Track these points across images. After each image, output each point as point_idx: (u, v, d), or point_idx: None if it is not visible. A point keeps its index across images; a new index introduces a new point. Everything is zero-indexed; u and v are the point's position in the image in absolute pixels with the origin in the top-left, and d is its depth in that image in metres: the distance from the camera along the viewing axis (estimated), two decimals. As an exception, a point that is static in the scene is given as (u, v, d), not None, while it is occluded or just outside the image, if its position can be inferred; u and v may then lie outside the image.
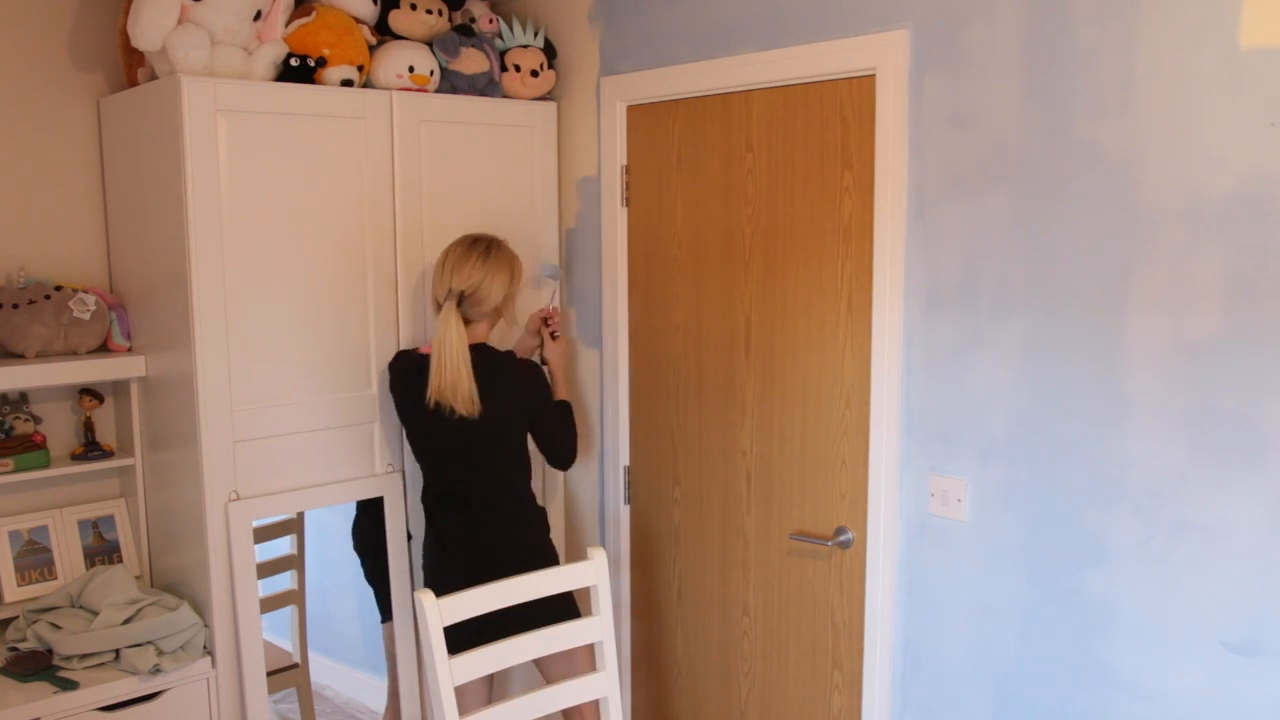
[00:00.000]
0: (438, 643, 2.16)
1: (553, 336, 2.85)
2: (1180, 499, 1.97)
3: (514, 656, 2.29)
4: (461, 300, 2.52)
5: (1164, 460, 1.99)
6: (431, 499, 2.67)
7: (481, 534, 2.59)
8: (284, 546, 3.40)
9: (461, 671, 2.19)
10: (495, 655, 2.26)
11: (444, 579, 2.59)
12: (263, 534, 3.27)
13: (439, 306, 2.55)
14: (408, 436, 2.70)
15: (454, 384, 2.47)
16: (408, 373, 2.61)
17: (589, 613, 2.45)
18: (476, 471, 2.58)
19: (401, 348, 2.77)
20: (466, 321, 2.55)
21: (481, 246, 2.57)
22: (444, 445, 2.59)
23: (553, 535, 3.17)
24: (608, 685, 2.43)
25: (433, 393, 2.49)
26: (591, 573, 2.43)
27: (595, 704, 2.52)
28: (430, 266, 2.81)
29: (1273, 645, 1.89)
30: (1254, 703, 1.92)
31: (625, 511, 3.06)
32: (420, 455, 2.67)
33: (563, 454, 2.70)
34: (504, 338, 2.88)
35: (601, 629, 2.42)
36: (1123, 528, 2.05)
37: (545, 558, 2.64)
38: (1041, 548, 2.18)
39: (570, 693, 2.39)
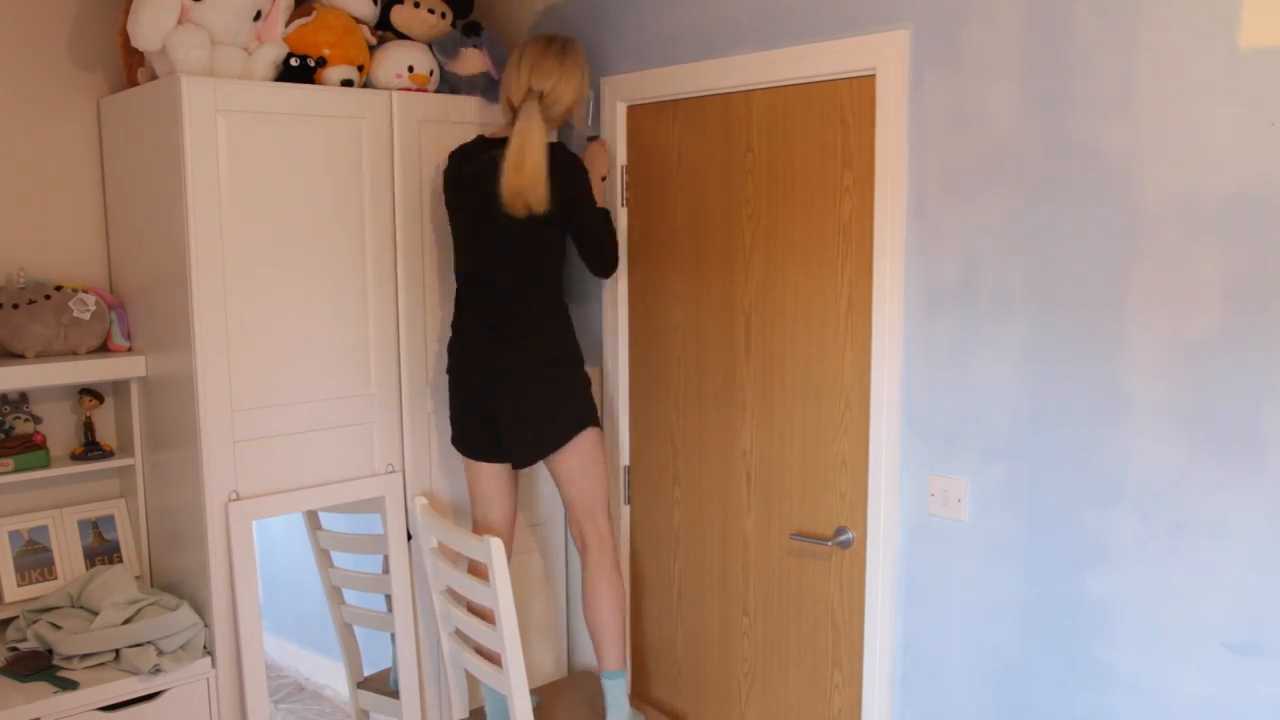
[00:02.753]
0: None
1: (589, 139, 2.87)
2: (1180, 499, 1.97)
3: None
4: (541, 99, 2.51)
5: (1164, 460, 1.99)
6: (463, 298, 2.66)
7: (509, 340, 2.58)
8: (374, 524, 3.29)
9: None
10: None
11: (462, 380, 2.66)
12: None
13: (511, 107, 2.55)
14: (452, 228, 2.68)
15: (533, 183, 2.45)
16: (473, 156, 2.58)
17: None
18: (510, 266, 2.55)
19: (406, 351, 2.76)
20: None
21: (558, 45, 2.56)
22: (485, 235, 2.56)
23: (552, 535, 3.17)
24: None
25: (510, 189, 2.46)
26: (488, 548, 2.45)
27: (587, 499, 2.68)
28: (431, 266, 2.81)
29: (1273, 645, 1.89)
30: (1254, 703, 1.92)
31: (625, 511, 3.06)
32: (457, 246, 2.65)
33: (603, 254, 2.66)
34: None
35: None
36: (1123, 528, 2.05)
37: (567, 362, 2.64)
38: (1041, 548, 2.18)
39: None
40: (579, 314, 3.12)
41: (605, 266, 2.69)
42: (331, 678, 3.99)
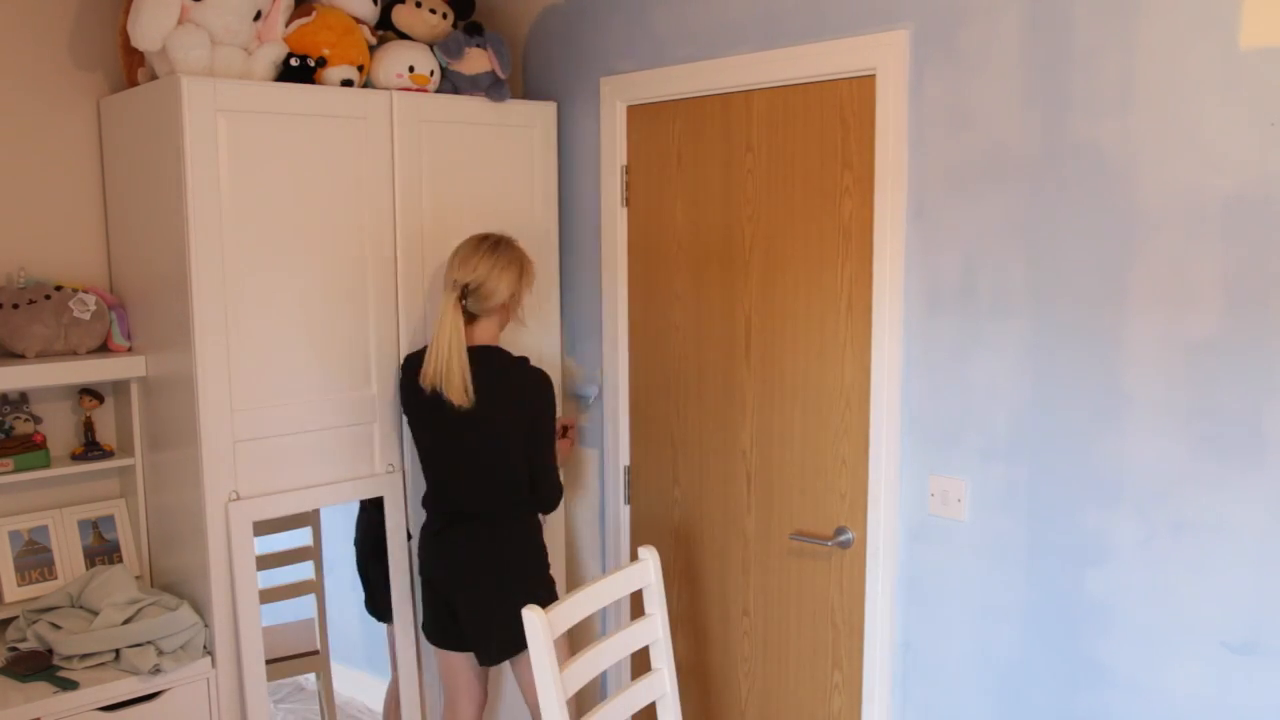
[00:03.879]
0: (549, 657, 2.15)
1: (563, 433, 2.93)
2: (1180, 499, 1.97)
3: (605, 661, 2.32)
4: (466, 294, 2.51)
5: (1164, 460, 1.99)
6: (430, 501, 2.67)
7: (475, 540, 2.58)
8: (303, 538, 3.40)
9: (573, 680, 2.20)
10: (590, 663, 2.27)
11: (428, 577, 2.65)
12: (280, 524, 3.26)
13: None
14: (412, 435, 2.69)
15: (446, 369, 2.46)
16: (414, 368, 2.62)
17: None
18: (472, 472, 2.56)
19: (406, 350, 2.77)
20: (473, 318, 2.54)
21: (490, 242, 2.56)
22: (441, 440, 2.58)
23: (552, 534, 3.17)
24: (663, 685, 2.46)
25: (425, 377, 2.50)
26: (646, 573, 2.46)
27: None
28: (431, 266, 2.81)
29: (1273, 645, 1.89)
30: (1254, 703, 1.92)
31: (625, 511, 3.06)
32: (421, 453, 2.66)
33: (548, 491, 2.63)
34: (514, 342, 2.87)
35: (660, 629, 2.46)
36: (1123, 528, 2.05)
37: (533, 567, 2.64)
38: (1041, 548, 2.18)
39: (637, 695, 2.42)
40: (579, 313, 3.12)
41: (548, 503, 2.66)
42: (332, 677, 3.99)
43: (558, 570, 3.23)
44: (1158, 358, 1.97)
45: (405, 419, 2.72)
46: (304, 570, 3.42)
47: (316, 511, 3.38)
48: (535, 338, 3.07)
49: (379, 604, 2.98)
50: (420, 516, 2.79)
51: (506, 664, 2.82)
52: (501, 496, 2.57)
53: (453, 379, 2.47)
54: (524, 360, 2.61)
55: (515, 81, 3.20)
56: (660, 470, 2.96)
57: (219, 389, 2.47)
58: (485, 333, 2.58)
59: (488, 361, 2.53)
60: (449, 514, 2.62)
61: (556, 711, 2.16)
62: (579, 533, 3.20)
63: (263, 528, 2.70)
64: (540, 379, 2.59)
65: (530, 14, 3.15)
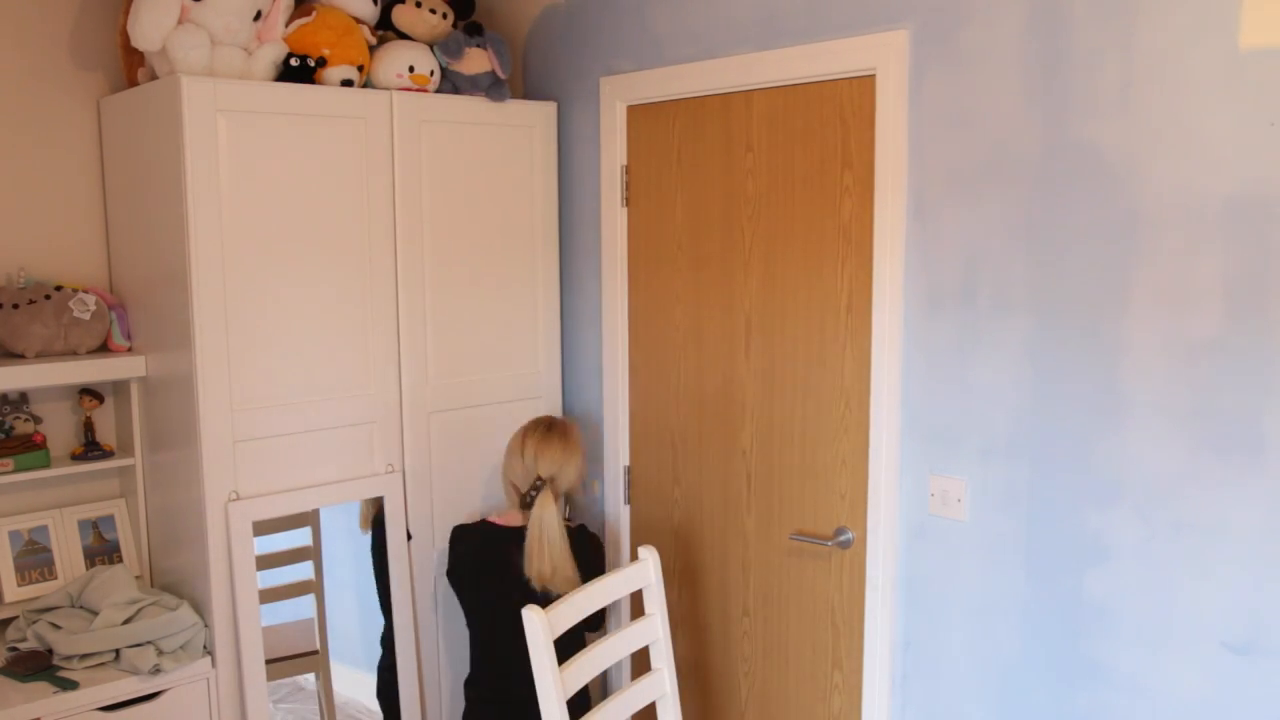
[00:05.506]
0: (548, 658, 2.15)
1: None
2: (1180, 499, 1.97)
3: (605, 661, 2.32)
4: (550, 485, 2.59)
5: (1164, 460, 1.99)
6: (480, 665, 2.65)
7: (516, 710, 2.55)
8: (303, 538, 3.40)
9: (572, 681, 2.21)
10: (591, 663, 2.27)
11: None
12: (280, 524, 3.26)
13: (519, 492, 2.64)
14: (476, 612, 2.66)
15: (556, 568, 2.54)
16: (488, 547, 2.62)
17: None
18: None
19: (406, 351, 2.77)
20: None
21: (559, 431, 2.66)
22: (507, 623, 2.56)
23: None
24: (663, 685, 2.46)
25: (535, 576, 2.54)
26: (646, 573, 2.47)
27: None
28: (431, 266, 2.81)
29: (1273, 645, 1.89)
30: (1254, 703, 1.92)
31: (625, 511, 3.06)
32: (492, 632, 2.63)
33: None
34: (514, 343, 2.87)
35: (660, 629, 2.46)
36: (1123, 528, 2.05)
37: None
38: (1041, 548, 2.18)
39: (637, 695, 2.42)
40: (579, 313, 3.12)
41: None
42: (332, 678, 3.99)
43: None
44: (1157, 358, 1.97)
45: (459, 594, 2.70)
46: (304, 570, 3.42)
47: (316, 511, 3.38)
48: (536, 338, 3.07)
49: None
50: (422, 516, 2.79)
51: None
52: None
53: (562, 575, 2.54)
54: (582, 527, 2.70)
55: (515, 81, 3.20)
56: (660, 470, 2.96)
57: (219, 389, 2.47)
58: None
59: (575, 548, 2.60)
60: (497, 688, 2.61)
61: (557, 711, 2.16)
62: (579, 533, 3.20)
63: (263, 528, 2.69)
64: (599, 546, 2.71)
65: (530, 14, 3.15)
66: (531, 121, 2.99)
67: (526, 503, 2.61)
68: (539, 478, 2.60)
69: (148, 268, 2.63)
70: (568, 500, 2.78)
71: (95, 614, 2.51)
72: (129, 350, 2.73)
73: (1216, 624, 1.95)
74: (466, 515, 2.96)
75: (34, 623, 2.50)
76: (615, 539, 3.07)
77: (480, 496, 3.00)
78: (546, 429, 2.66)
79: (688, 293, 2.82)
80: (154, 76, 2.54)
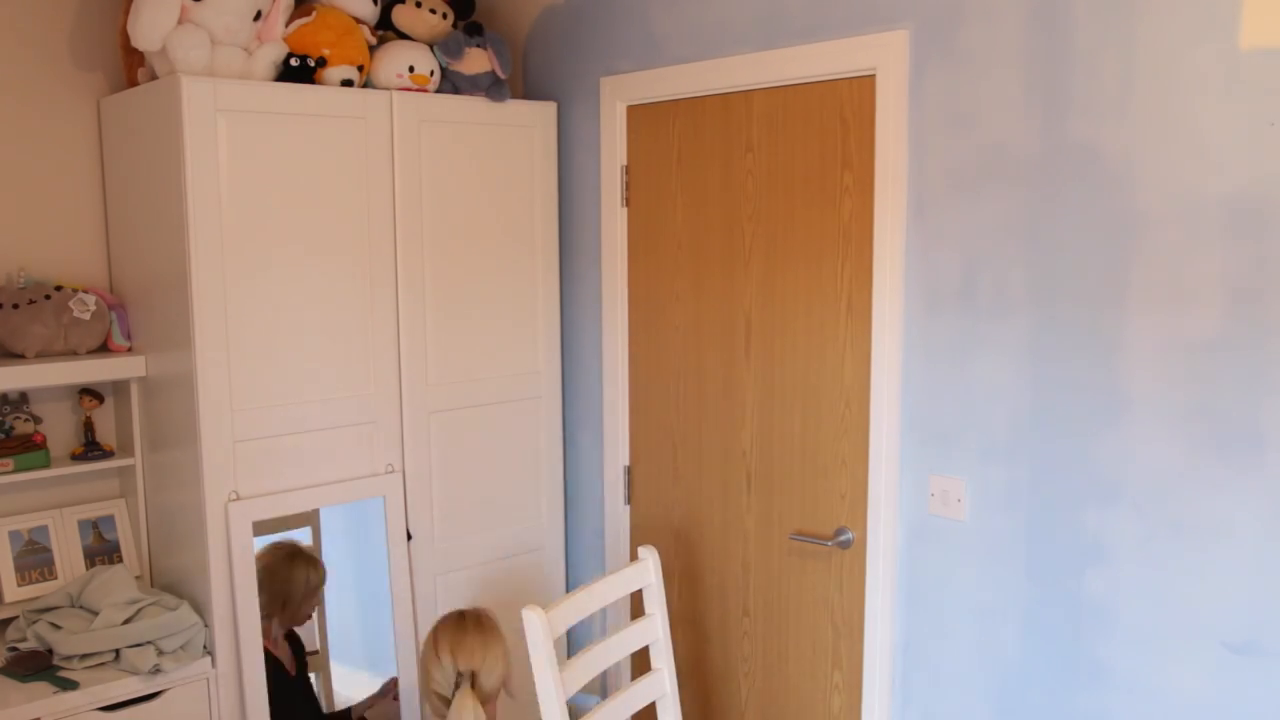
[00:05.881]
0: (548, 658, 2.14)
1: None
2: (1180, 499, 1.97)
3: (605, 661, 2.32)
4: (473, 682, 2.26)
5: (1163, 460, 1.99)
6: None
7: None
8: (303, 538, 3.39)
9: (573, 681, 2.20)
10: (594, 662, 2.27)
11: None
12: (280, 524, 3.25)
13: (440, 699, 2.29)
14: None
15: None
16: None
17: None
18: None
19: (405, 351, 2.76)
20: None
21: (472, 619, 2.34)
22: None
23: (552, 535, 3.16)
24: (663, 685, 2.46)
25: None
26: (646, 573, 2.47)
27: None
28: (431, 266, 2.81)
29: (1273, 645, 1.89)
30: (1253, 703, 1.92)
31: (625, 511, 3.06)
32: None
33: None
34: (514, 346, 2.86)
35: (660, 629, 2.46)
36: (1122, 528, 2.05)
37: None
38: (1041, 548, 2.18)
39: (637, 695, 2.42)
40: (579, 314, 3.12)
41: None
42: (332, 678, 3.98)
43: (558, 569, 3.22)
44: (1157, 358, 1.97)
45: None
46: (304, 570, 3.41)
47: (316, 511, 3.38)
48: (535, 337, 3.07)
49: None
50: (422, 516, 2.79)
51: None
52: None
53: None
54: None
55: (515, 81, 3.20)
56: (660, 470, 2.96)
57: (219, 389, 2.47)
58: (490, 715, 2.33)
59: None
60: None
61: (556, 711, 2.16)
62: (579, 533, 3.20)
63: (263, 528, 2.69)
64: None
65: (530, 14, 3.15)
66: (531, 122, 2.99)
67: None
68: (458, 673, 2.25)
69: (148, 268, 2.63)
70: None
71: (95, 614, 2.50)
72: (129, 350, 2.73)
73: (1216, 624, 1.95)
74: (468, 515, 2.96)
75: (34, 623, 2.50)
76: (615, 539, 3.07)
77: (480, 496, 3.00)
78: (458, 618, 2.35)
79: (688, 293, 2.82)
80: (154, 76, 2.54)
